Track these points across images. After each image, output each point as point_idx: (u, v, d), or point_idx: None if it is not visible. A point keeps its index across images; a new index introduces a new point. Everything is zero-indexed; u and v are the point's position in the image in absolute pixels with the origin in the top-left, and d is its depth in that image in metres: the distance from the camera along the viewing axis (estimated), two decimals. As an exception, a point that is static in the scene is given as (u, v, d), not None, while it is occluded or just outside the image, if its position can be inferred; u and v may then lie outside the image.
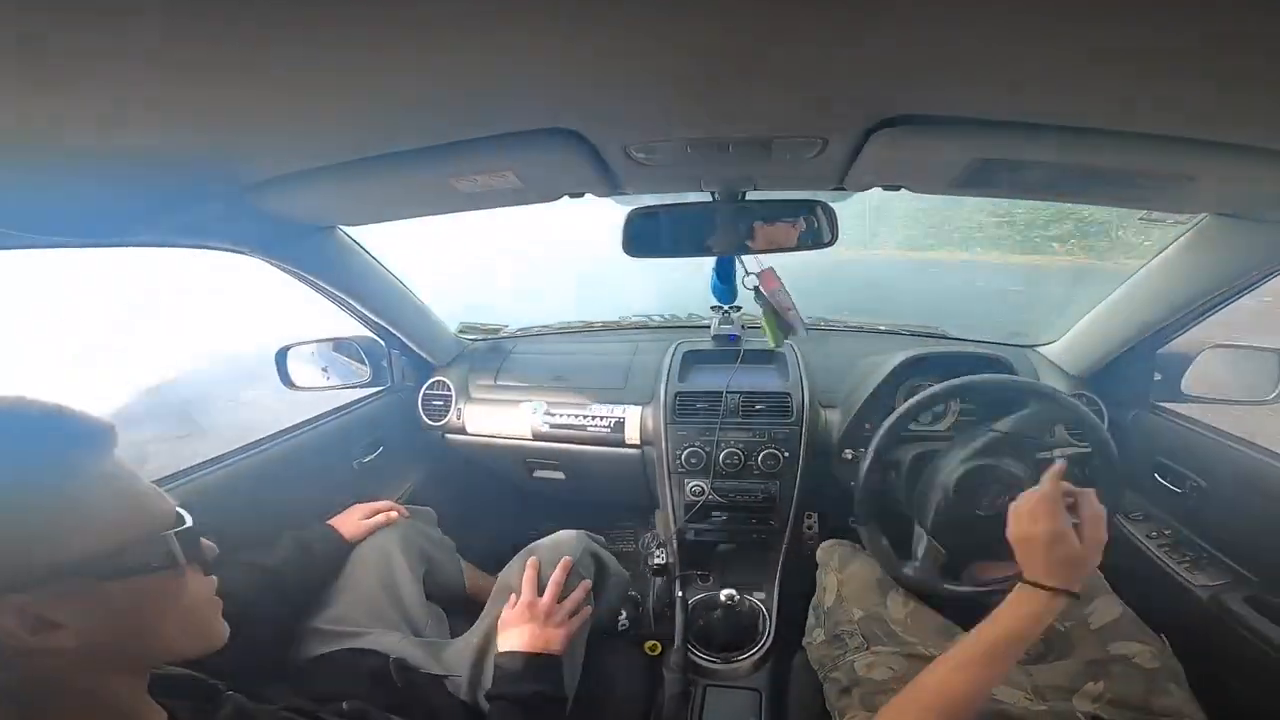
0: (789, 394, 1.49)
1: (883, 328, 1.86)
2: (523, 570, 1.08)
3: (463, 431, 1.70)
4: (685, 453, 1.47)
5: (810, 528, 1.56)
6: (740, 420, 1.48)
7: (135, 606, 0.53)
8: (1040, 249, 8.30)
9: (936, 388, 1.17)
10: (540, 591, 1.05)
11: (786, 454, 1.45)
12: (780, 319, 1.32)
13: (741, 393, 1.50)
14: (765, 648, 1.36)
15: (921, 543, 1.13)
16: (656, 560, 1.55)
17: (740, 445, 1.46)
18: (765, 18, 0.45)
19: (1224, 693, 1.01)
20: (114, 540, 0.51)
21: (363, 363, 1.61)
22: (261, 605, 0.94)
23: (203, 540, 0.60)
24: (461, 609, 1.26)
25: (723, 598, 1.34)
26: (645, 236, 1.04)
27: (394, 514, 1.23)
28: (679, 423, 1.50)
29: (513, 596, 1.05)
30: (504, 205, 1.05)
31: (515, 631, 0.99)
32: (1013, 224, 8.75)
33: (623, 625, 1.34)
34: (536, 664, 0.96)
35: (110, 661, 0.52)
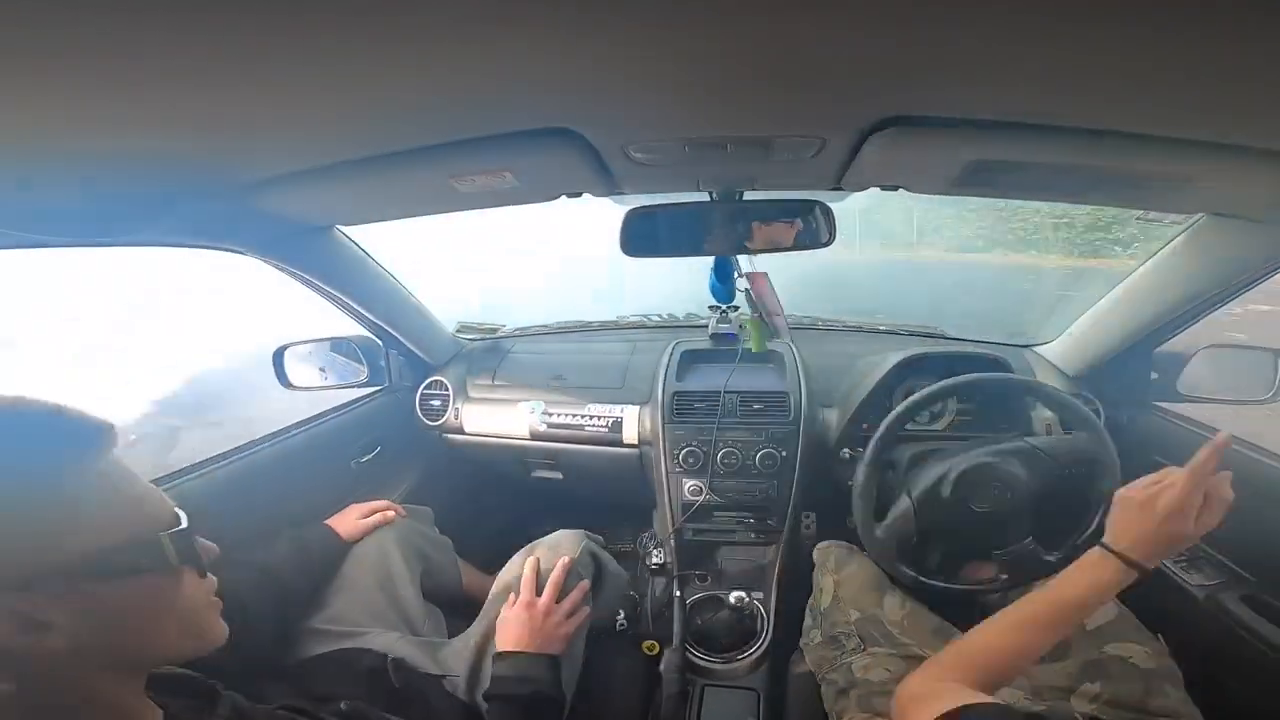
0: (787, 394, 1.49)
1: (881, 328, 1.86)
2: (522, 570, 1.08)
3: (460, 431, 1.70)
4: (683, 452, 1.47)
5: (808, 527, 1.56)
6: (738, 420, 1.48)
7: (128, 608, 0.52)
8: (1102, 252, 7.96)
9: (935, 386, 1.17)
10: (539, 591, 1.05)
11: (784, 454, 1.45)
12: (766, 323, 1.34)
13: (739, 392, 1.50)
14: (763, 648, 1.36)
15: (898, 510, 1.14)
16: (654, 560, 1.55)
17: (738, 445, 1.46)
18: (764, 18, 0.45)
19: (1221, 693, 1.01)
20: (107, 541, 0.51)
21: (360, 362, 1.61)
22: (259, 605, 0.94)
23: (202, 541, 0.59)
24: (459, 608, 1.26)
25: (733, 600, 1.34)
26: (643, 236, 1.04)
27: (391, 514, 1.23)
28: (677, 422, 1.50)
29: (512, 596, 1.05)
30: (502, 205, 1.05)
31: (514, 631, 0.99)
32: (1072, 226, 8.41)
33: (621, 625, 1.34)
34: (535, 664, 0.96)
35: (104, 663, 0.52)
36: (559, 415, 1.61)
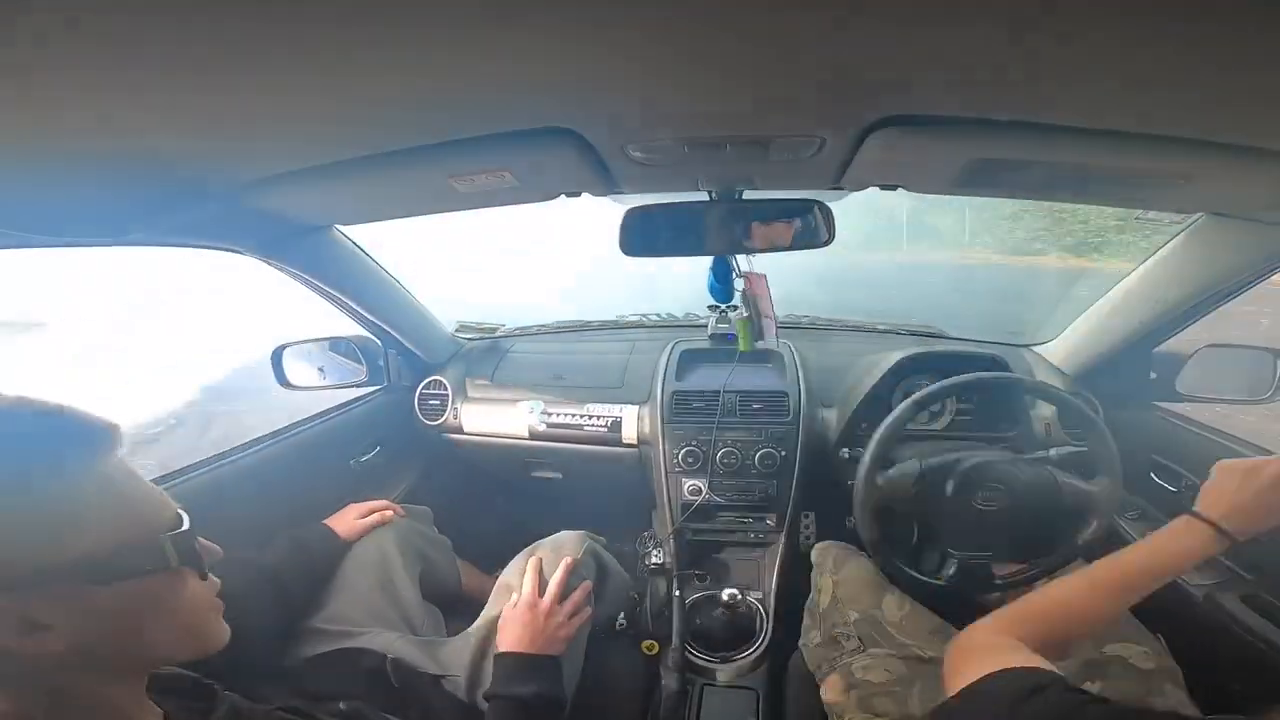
0: (786, 393, 1.49)
1: (880, 327, 1.86)
2: (524, 570, 1.08)
3: (460, 431, 1.70)
4: (682, 452, 1.47)
5: (808, 527, 1.56)
6: (738, 419, 1.48)
7: (128, 610, 0.52)
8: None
9: (935, 386, 1.17)
10: (541, 592, 1.05)
11: (784, 453, 1.45)
12: (756, 323, 1.36)
13: (739, 392, 1.50)
14: (763, 647, 1.36)
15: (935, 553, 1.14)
16: (654, 560, 1.55)
17: (738, 445, 1.46)
18: (763, 18, 0.45)
19: (1221, 693, 1.01)
20: (107, 543, 0.50)
21: (359, 362, 1.61)
22: (258, 604, 0.94)
23: (204, 543, 0.59)
24: (458, 608, 1.26)
25: (725, 597, 1.34)
26: (642, 235, 1.04)
27: (390, 513, 1.23)
28: (676, 422, 1.50)
29: (514, 596, 1.05)
30: (501, 204, 1.05)
31: (515, 631, 0.99)
32: (1138, 229, 8.15)
33: (620, 625, 1.34)
34: (536, 664, 0.96)
35: (104, 665, 0.52)
36: (558, 415, 1.61)
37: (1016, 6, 0.42)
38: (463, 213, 1.08)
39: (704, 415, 1.49)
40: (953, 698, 0.61)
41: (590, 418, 1.59)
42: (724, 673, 1.33)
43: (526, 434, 1.63)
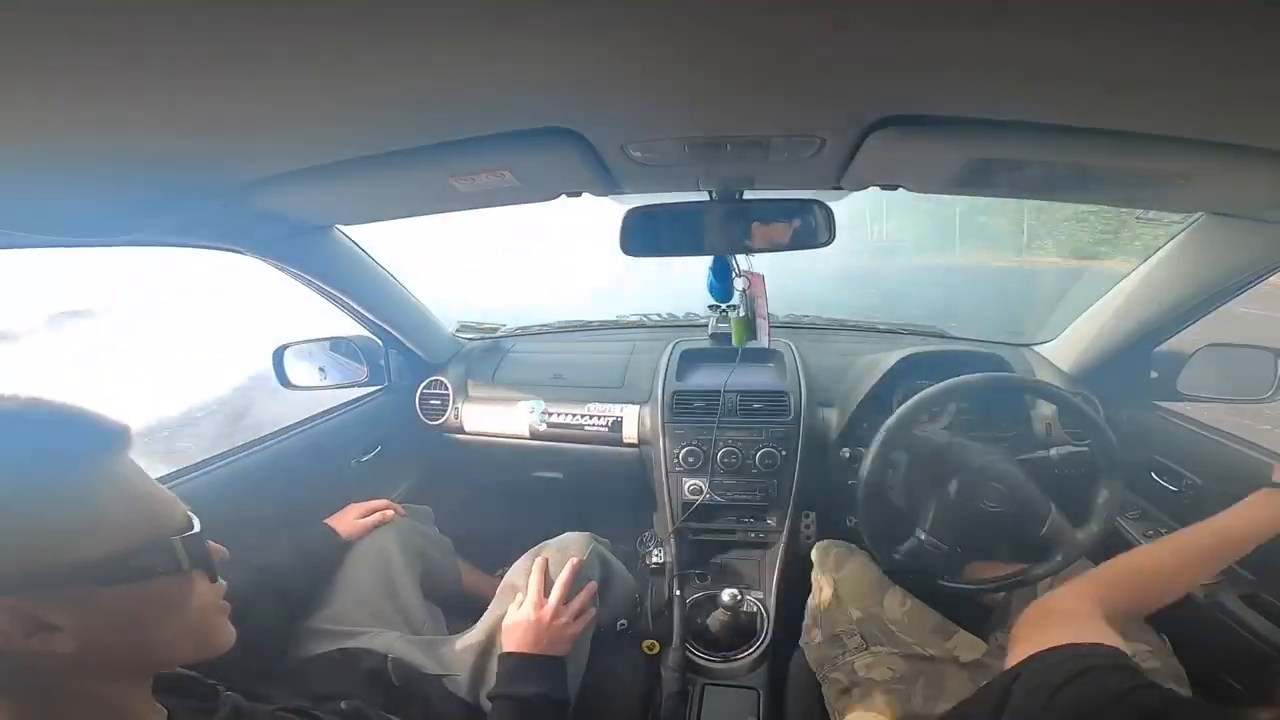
0: (787, 393, 1.49)
1: (881, 327, 1.86)
2: (529, 570, 1.08)
3: (460, 431, 1.70)
4: (683, 452, 1.47)
5: (808, 527, 1.56)
6: (738, 419, 1.48)
7: (138, 612, 0.52)
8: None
9: (937, 387, 1.16)
10: (546, 593, 1.05)
11: (784, 453, 1.45)
12: (752, 322, 1.37)
13: (739, 391, 1.50)
14: (763, 647, 1.36)
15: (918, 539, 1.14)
16: (654, 559, 1.55)
17: (738, 444, 1.46)
18: (763, 18, 0.45)
19: (1223, 692, 1.01)
20: (118, 544, 0.50)
21: (360, 362, 1.61)
22: (259, 604, 0.94)
23: (212, 545, 0.59)
24: (458, 608, 1.26)
25: (725, 598, 1.34)
26: (643, 235, 1.04)
27: (391, 513, 1.23)
28: (677, 422, 1.50)
29: (519, 596, 1.05)
30: (502, 204, 1.05)
31: (520, 632, 0.98)
32: None
33: (621, 625, 1.34)
34: (540, 665, 0.96)
35: (112, 665, 0.52)
36: (559, 415, 1.61)
37: (1016, 6, 0.42)
38: (463, 213, 1.08)
39: (705, 415, 1.49)
40: (1015, 665, 0.61)
41: (591, 417, 1.60)
42: (724, 672, 1.33)
43: (527, 434, 1.64)
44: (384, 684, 0.94)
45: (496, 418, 1.67)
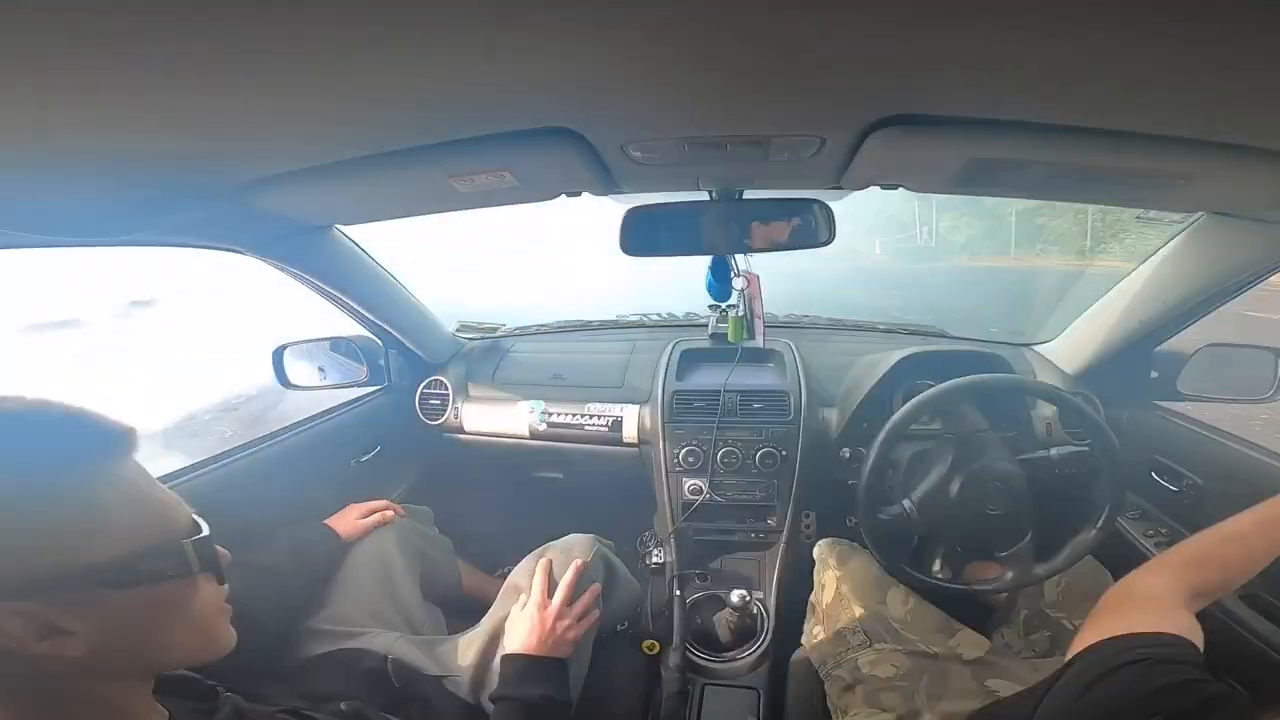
0: (787, 393, 1.49)
1: (881, 326, 1.86)
2: (533, 571, 1.07)
3: (460, 431, 1.70)
4: (683, 452, 1.47)
5: (808, 527, 1.56)
6: (738, 419, 1.48)
7: (147, 615, 0.52)
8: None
9: (937, 389, 1.15)
10: (550, 594, 1.04)
11: (784, 453, 1.45)
12: (749, 322, 1.40)
13: (739, 391, 1.50)
14: (763, 646, 1.36)
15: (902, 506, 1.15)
16: (654, 559, 1.55)
17: (738, 444, 1.46)
18: (763, 18, 0.45)
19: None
20: (128, 547, 0.50)
21: (360, 362, 1.61)
22: (258, 605, 0.93)
23: (217, 548, 0.59)
24: (458, 608, 1.26)
25: (734, 599, 1.32)
26: (643, 235, 1.04)
27: (390, 513, 1.23)
28: (677, 422, 1.50)
29: (522, 597, 1.04)
30: (501, 204, 1.05)
31: (524, 633, 0.98)
32: None
33: (621, 625, 1.34)
34: (543, 667, 0.96)
35: (119, 668, 0.52)
36: (559, 415, 1.61)
37: (1016, 6, 0.42)
38: (462, 212, 1.08)
39: (704, 415, 1.49)
40: (1072, 655, 0.61)
41: (591, 417, 1.59)
42: (724, 672, 1.33)
43: (527, 434, 1.63)
44: (384, 684, 0.94)
45: (496, 418, 1.67)
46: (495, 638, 1.02)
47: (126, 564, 0.49)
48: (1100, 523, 1.07)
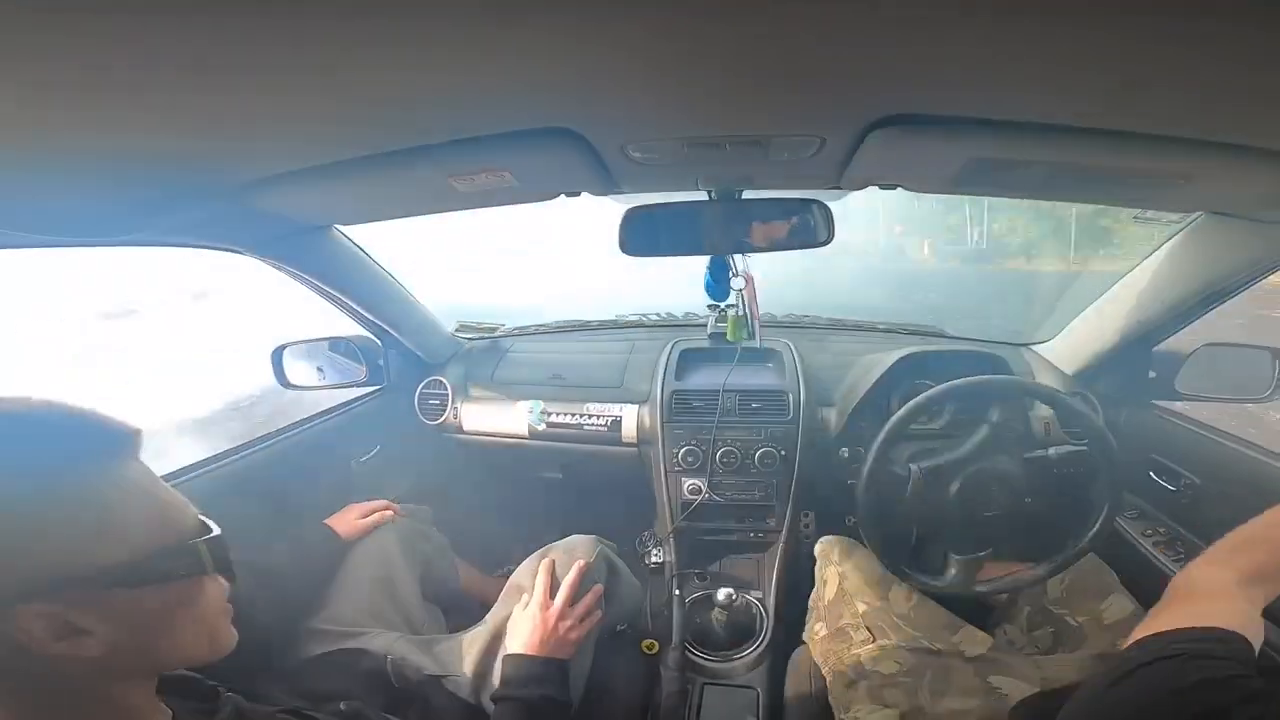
0: (786, 392, 1.49)
1: (880, 326, 1.86)
2: (535, 571, 1.07)
3: (460, 431, 1.70)
4: (682, 451, 1.47)
5: (807, 526, 1.56)
6: (737, 419, 1.48)
7: (159, 615, 0.52)
8: None
9: (935, 390, 1.15)
10: (552, 594, 1.04)
11: (783, 452, 1.45)
12: (746, 321, 1.41)
13: (738, 391, 1.50)
14: (763, 646, 1.36)
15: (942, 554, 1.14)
16: (654, 559, 1.55)
17: (737, 444, 1.46)
18: (763, 18, 0.45)
19: None
20: (142, 547, 0.50)
21: (359, 362, 1.61)
22: (258, 605, 0.93)
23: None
24: (458, 608, 1.26)
25: (720, 598, 1.34)
26: (642, 235, 1.04)
27: (390, 513, 1.23)
28: (676, 421, 1.50)
29: (525, 597, 1.04)
30: (501, 204, 1.05)
31: (525, 633, 0.98)
32: None
33: (621, 626, 1.34)
34: (544, 667, 0.95)
35: (130, 668, 0.52)
36: (558, 414, 1.61)
37: (1016, 6, 0.42)
38: (462, 212, 1.08)
39: (704, 414, 1.49)
40: (1125, 648, 0.60)
41: (590, 417, 1.59)
42: (724, 671, 1.33)
43: (526, 433, 1.63)
44: (383, 684, 0.94)
45: (496, 417, 1.67)
46: (497, 637, 1.02)
47: (141, 564, 0.50)
48: (1099, 522, 1.07)
